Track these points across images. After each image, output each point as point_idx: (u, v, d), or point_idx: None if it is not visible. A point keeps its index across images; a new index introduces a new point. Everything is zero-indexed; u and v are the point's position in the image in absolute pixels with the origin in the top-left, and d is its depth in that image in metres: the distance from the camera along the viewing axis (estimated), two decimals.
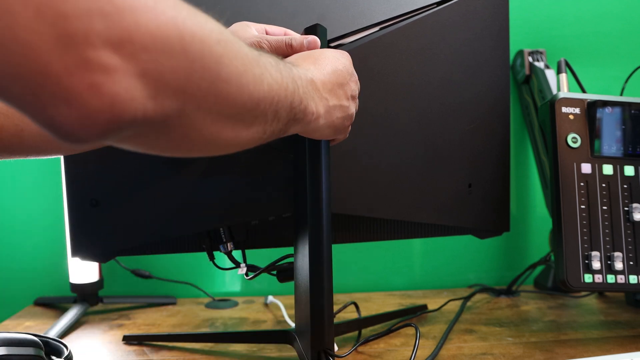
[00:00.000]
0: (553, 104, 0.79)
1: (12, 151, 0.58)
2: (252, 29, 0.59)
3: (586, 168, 0.78)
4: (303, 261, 0.63)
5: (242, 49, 0.40)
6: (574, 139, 0.78)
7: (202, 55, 0.35)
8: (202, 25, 0.35)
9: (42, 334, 0.58)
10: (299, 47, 0.58)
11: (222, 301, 1.01)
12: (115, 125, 0.31)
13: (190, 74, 0.34)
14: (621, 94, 1.04)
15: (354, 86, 0.58)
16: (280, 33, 0.60)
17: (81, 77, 0.28)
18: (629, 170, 0.78)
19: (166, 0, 0.33)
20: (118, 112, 0.30)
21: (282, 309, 0.92)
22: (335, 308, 0.75)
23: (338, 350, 0.73)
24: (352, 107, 0.58)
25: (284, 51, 0.58)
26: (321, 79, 0.53)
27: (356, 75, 0.59)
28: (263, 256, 0.75)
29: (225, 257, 0.71)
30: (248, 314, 0.94)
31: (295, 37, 0.58)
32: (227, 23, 0.50)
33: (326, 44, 0.61)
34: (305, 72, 0.51)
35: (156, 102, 0.32)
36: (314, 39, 0.58)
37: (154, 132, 0.35)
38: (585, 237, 0.76)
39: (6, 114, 0.55)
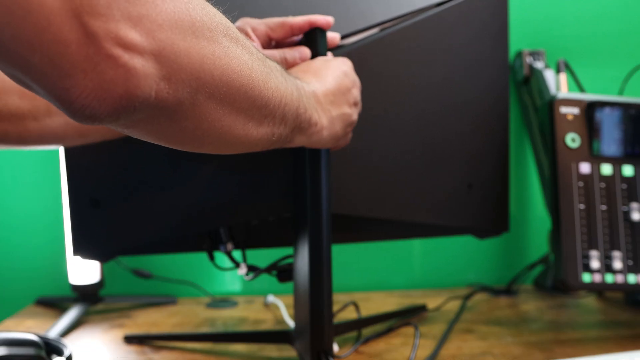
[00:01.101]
0: (552, 104, 0.79)
1: (16, 147, 0.60)
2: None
3: (585, 168, 0.78)
4: (303, 261, 0.63)
5: (248, 45, 0.41)
6: (573, 139, 0.78)
7: (212, 43, 0.35)
8: (211, 17, 0.36)
9: (42, 334, 0.58)
10: (292, 60, 0.59)
11: (222, 301, 1.02)
12: (128, 102, 0.31)
13: (202, 60, 0.34)
14: (620, 94, 1.04)
15: (356, 92, 0.59)
16: (278, 23, 0.60)
17: (100, 48, 0.29)
18: (628, 170, 0.79)
19: None
20: (132, 88, 0.31)
21: (282, 309, 0.93)
22: (335, 308, 0.75)
23: (338, 350, 0.73)
24: (355, 114, 0.58)
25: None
26: (323, 91, 0.54)
27: (358, 81, 0.60)
28: (263, 256, 0.75)
29: (226, 257, 0.71)
30: (248, 314, 0.95)
31: (287, 51, 0.59)
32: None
33: (325, 47, 0.61)
34: (307, 85, 0.52)
35: (170, 84, 0.33)
36: (305, 51, 0.59)
37: (167, 118, 0.35)
38: (584, 237, 0.76)
39: (9, 119, 0.56)
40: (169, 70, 0.32)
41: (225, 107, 0.38)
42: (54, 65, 0.28)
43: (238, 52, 0.38)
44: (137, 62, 0.30)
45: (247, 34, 0.58)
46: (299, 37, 0.61)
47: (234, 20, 0.41)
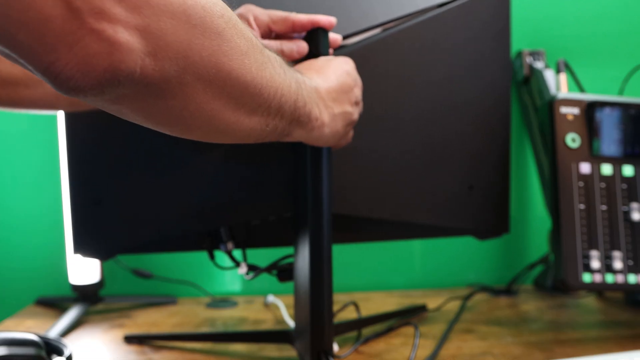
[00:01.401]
0: (552, 104, 0.79)
1: (7, 109, 0.61)
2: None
3: (585, 168, 0.78)
4: (303, 261, 0.64)
5: (245, 32, 0.40)
6: (573, 139, 0.78)
7: (204, 22, 0.35)
8: None
9: (42, 334, 0.58)
10: (289, 53, 0.58)
11: (222, 301, 1.02)
12: (112, 76, 0.31)
13: (191, 39, 0.34)
14: (620, 94, 1.04)
15: (358, 91, 0.59)
16: (281, 17, 0.60)
17: (84, 22, 0.29)
18: (628, 170, 0.79)
19: None
20: (116, 62, 0.31)
21: (282, 308, 0.93)
22: (335, 308, 0.75)
23: (338, 350, 0.73)
24: (356, 113, 0.59)
25: None
26: (325, 88, 0.54)
27: (360, 81, 0.60)
28: (263, 256, 0.75)
29: (226, 256, 0.71)
30: (248, 313, 0.95)
31: (285, 43, 0.59)
32: None
33: (327, 47, 0.61)
34: (309, 80, 0.52)
35: (156, 61, 0.33)
36: (302, 45, 0.59)
37: (153, 95, 0.35)
38: (584, 237, 0.76)
39: (1, 84, 0.57)
40: (154, 47, 0.32)
41: (214, 90, 0.38)
42: (39, 41, 0.29)
43: (232, 35, 0.38)
44: (122, 37, 0.30)
45: (248, 22, 0.58)
46: (299, 35, 0.61)
47: (236, 6, 0.41)
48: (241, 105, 0.41)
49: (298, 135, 0.52)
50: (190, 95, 0.37)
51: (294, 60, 0.60)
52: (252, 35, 0.42)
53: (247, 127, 0.43)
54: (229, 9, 0.39)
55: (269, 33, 0.60)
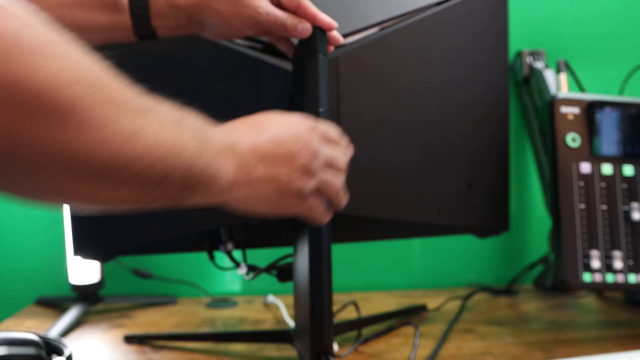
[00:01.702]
0: (552, 104, 0.79)
1: None
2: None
3: (585, 168, 0.78)
4: (302, 261, 0.63)
5: (116, 95, 0.34)
6: (573, 139, 0.78)
7: (41, 95, 0.30)
8: (55, 58, 0.31)
9: (42, 334, 0.58)
10: (291, 28, 0.57)
11: (222, 301, 1.02)
12: None
13: (22, 115, 0.30)
14: (620, 94, 1.04)
15: (308, 160, 0.49)
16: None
17: None
18: (628, 170, 0.79)
19: (15, 16, 0.29)
20: None
21: (282, 308, 0.93)
22: (335, 308, 0.75)
23: (338, 350, 0.73)
24: (300, 182, 0.49)
25: (279, 29, 0.57)
26: (250, 145, 0.47)
27: (316, 147, 0.50)
28: (263, 256, 0.75)
29: (226, 256, 0.71)
30: (248, 313, 0.95)
31: (290, 18, 0.57)
32: None
33: (325, 46, 0.61)
34: (227, 136, 0.45)
35: None
36: (307, 27, 0.58)
37: None
38: (585, 237, 0.76)
39: None
40: None
41: (58, 167, 0.32)
42: None
43: (88, 105, 0.32)
44: None
45: None
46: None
47: None
48: (101, 180, 0.35)
49: (201, 199, 0.44)
50: (26, 170, 0.32)
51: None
52: (133, 95, 0.36)
53: (115, 199, 0.38)
54: (94, 67, 0.34)
55: (277, 3, 0.58)
